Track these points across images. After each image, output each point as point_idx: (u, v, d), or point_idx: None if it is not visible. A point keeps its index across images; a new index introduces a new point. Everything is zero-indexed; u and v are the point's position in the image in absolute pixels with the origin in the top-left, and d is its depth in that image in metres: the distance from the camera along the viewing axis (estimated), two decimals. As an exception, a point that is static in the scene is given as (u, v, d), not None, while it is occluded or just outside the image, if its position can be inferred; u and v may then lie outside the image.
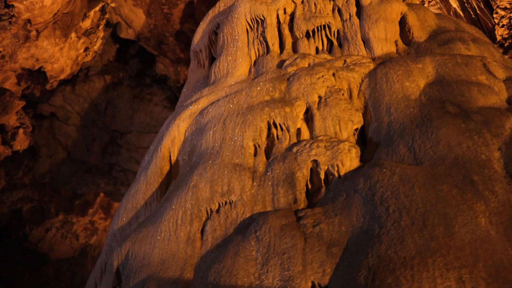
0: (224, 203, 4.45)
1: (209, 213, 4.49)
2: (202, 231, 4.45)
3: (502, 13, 9.83)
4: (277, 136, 4.85)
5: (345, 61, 5.50)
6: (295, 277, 3.52)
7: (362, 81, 5.19)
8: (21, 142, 12.54)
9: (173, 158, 5.81)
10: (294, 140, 4.79)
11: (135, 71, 18.76)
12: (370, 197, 3.77)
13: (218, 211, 4.46)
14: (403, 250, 3.22)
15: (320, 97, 5.06)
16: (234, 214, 4.33)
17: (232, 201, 4.42)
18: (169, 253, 4.43)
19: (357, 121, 4.85)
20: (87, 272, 19.50)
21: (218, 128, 5.14)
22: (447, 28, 6.07)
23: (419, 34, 6.02)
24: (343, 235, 3.70)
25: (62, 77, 14.03)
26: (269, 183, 4.41)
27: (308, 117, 5.03)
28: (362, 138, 4.93)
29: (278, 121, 4.86)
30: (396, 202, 3.56)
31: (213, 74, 6.70)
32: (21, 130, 12.48)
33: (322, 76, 5.18)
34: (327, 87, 5.10)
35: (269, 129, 4.90)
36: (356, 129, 4.87)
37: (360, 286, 3.19)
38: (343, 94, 5.04)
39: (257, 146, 4.81)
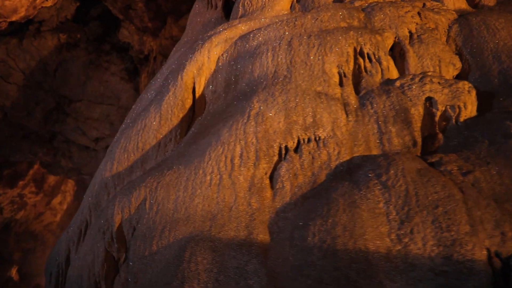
0: (306, 140, 2.92)
1: (283, 152, 2.93)
2: (271, 177, 2.88)
3: None
4: (365, 68, 3.45)
5: (424, 4, 4.29)
6: (463, 241, 2.13)
7: (450, 27, 4.01)
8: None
9: (198, 91, 4.11)
10: (388, 75, 3.43)
11: (95, 34, 16.09)
12: (538, 141, 2.54)
13: (297, 150, 2.91)
14: None
15: (410, 33, 3.77)
16: (324, 155, 2.82)
17: (319, 137, 2.91)
18: (222, 205, 2.77)
19: (458, 66, 3.63)
20: (8, 250, 16.17)
21: (280, 50, 3.60)
22: (511, -3, 5.20)
23: (485, -2, 5.05)
24: (510, 188, 2.41)
25: (14, 18, 11.22)
26: (371, 119, 2.98)
27: (396, 54, 3.71)
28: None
29: (367, 49, 3.47)
30: None
31: (241, 7, 5.10)
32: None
33: (409, 11, 3.92)
34: (416, 23, 3.84)
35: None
36: (453, 76, 3.65)
37: None
38: (437, 33, 3.81)
39: (342, 75, 3.35)
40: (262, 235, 2.52)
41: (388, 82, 3.29)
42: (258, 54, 3.73)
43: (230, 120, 3.18)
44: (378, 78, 3.36)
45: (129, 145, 3.96)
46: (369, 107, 3.05)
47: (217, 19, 5.99)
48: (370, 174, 2.50)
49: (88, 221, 3.98)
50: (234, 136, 3.01)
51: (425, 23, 3.85)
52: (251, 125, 3.01)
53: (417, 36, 3.71)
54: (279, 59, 3.53)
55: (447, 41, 3.94)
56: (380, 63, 3.43)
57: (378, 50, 3.46)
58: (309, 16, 3.91)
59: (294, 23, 3.89)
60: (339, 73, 3.35)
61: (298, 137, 2.92)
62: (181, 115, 3.94)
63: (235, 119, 3.14)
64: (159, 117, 3.94)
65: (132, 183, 3.38)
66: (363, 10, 4.01)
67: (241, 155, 2.92)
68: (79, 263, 3.71)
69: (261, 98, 3.19)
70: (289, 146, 2.92)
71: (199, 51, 4.16)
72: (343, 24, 3.78)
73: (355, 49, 3.46)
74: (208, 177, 2.92)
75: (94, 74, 16.41)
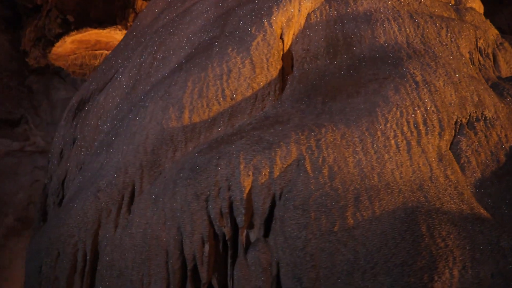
0: (475, 118, 2.82)
1: (457, 127, 2.75)
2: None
3: None
4: (479, 60, 3.56)
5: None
6: None
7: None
8: None
9: (286, 45, 3.53)
10: (496, 72, 3.62)
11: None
12: None
13: (469, 126, 2.78)
14: None
15: (494, 38, 4.09)
16: (494, 136, 2.77)
17: (486, 117, 2.85)
18: (419, 174, 2.39)
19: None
20: None
21: (404, 22, 3.40)
22: None
23: None
24: None
25: None
26: (516, 108, 3.09)
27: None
28: None
29: (480, 43, 3.60)
30: None
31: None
32: None
33: (486, 19, 4.26)
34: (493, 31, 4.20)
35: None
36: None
37: None
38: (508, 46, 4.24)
39: (471, 62, 3.37)
40: (482, 211, 2.30)
41: (507, 78, 3.49)
42: (375, 20, 3.46)
43: (388, 83, 2.83)
44: (491, 73, 3.53)
45: (209, 91, 3.10)
46: (509, 98, 3.16)
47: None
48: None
49: (137, 184, 2.91)
50: (409, 100, 2.69)
51: (497, 33, 4.25)
52: (425, 92, 2.75)
53: (499, 43, 4.05)
54: (408, 31, 3.35)
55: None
56: (490, 59, 3.62)
57: (488, 46, 3.65)
58: (409, -4, 3.84)
59: (399, -1, 3.77)
60: (470, 59, 3.38)
61: (470, 114, 2.81)
62: (278, 67, 3.32)
63: (397, 82, 2.81)
64: (249, 63, 3.22)
65: (258, 137, 2.63)
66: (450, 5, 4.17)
67: (425, 122, 2.62)
68: (133, 241, 2.68)
69: (416, 66, 2.95)
70: (463, 122, 2.77)
71: (289, 0, 3.60)
72: (445, 14, 3.85)
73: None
74: (393, 141, 2.52)
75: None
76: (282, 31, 3.55)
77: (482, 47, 3.63)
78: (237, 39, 3.43)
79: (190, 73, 3.27)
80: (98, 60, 11.13)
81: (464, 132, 2.73)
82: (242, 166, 2.50)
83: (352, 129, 2.58)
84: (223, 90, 3.12)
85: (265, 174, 2.47)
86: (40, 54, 11.12)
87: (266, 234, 2.45)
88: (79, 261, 2.82)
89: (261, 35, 3.40)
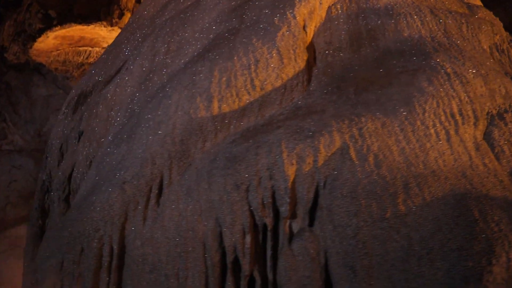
0: (504, 109, 2.92)
1: (489, 117, 2.83)
2: (483, 141, 2.74)
3: None
4: (495, 56, 3.69)
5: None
6: None
7: None
8: None
9: (308, 37, 3.55)
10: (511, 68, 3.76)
11: None
12: None
13: (499, 117, 2.87)
14: None
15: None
16: (523, 127, 2.89)
17: (513, 109, 2.96)
18: (460, 162, 2.45)
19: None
20: None
21: (426, 17, 3.48)
22: None
23: None
24: None
25: None
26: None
27: (494, 52, 4.11)
28: None
29: (496, 38, 3.73)
30: None
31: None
32: None
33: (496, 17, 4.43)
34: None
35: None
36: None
37: None
38: (513, 44, 4.42)
39: (490, 57, 3.49)
40: (524, 198, 2.38)
41: (519, 74, 3.63)
42: (398, 14, 3.53)
43: (420, 74, 2.89)
44: (508, 68, 3.66)
45: (237, 81, 3.08)
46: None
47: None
48: None
49: (166, 175, 2.84)
50: (443, 91, 2.76)
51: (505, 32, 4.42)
52: (457, 83, 2.83)
53: (510, 40, 4.22)
54: (431, 26, 3.43)
55: None
56: (505, 55, 3.76)
57: (504, 42, 3.78)
58: (428, -7, 3.95)
59: (417, -7, 3.86)
60: (490, 53, 3.50)
61: (499, 106, 2.91)
62: (305, 58, 3.34)
63: (429, 74, 2.88)
64: (277, 54, 3.22)
65: (297, 126, 2.62)
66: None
67: (460, 113, 2.69)
68: (166, 234, 2.62)
69: (444, 59, 3.03)
70: (493, 113, 2.87)
71: (308, -9, 3.62)
72: (460, 11, 3.97)
73: (490, 36, 3.69)
74: (432, 130, 2.57)
75: None
76: (304, 23, 3.57)
77: (498, 43, 3.76)
78: (261, 30, 3.42)
79: (215, 63, 3.23)
80: (81, 57, 10.81)
81: (495, 122, 2.82)
82: (285, 155, 2.49)
83: (391, 119, 2.62)
84: (252, 80, 3.10)
85: (309, 163, 2.47)
86: (20, 50, 10.68)
87: (310, 223, 2.45)
88: (105, 256, 2.72)
89: (286, 26, 3.40)
